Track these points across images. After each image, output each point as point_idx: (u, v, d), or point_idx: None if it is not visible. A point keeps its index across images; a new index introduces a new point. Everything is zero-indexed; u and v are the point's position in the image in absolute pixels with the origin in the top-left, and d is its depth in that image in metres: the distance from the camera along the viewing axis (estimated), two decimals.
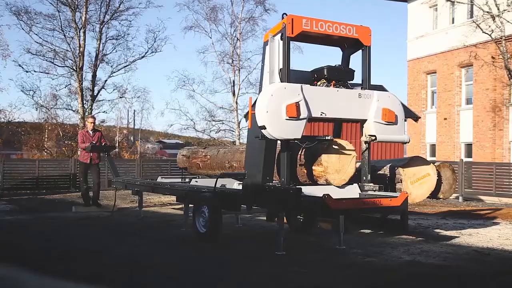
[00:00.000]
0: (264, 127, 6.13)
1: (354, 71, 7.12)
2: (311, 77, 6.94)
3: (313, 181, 7.06)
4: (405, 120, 16.14)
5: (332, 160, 6.76)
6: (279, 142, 6.69)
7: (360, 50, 7.13)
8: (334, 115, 6.76)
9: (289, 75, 6.41)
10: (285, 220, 7.06)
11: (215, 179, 7.71)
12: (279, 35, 6.46)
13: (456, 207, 12.94)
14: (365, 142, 7.00)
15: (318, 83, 6.80)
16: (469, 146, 21.68)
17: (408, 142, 7.40)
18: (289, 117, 6.11)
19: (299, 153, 7.16)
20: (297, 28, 6.44)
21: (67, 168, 16.89)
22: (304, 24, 6.47)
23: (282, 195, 6.46)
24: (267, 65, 6.52)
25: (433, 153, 23.22)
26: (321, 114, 6.52)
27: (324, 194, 6.01)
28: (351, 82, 7.08)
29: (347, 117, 6.91)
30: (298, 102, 6.20)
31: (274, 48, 6.46)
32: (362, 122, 6.90)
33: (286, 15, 6.45)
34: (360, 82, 7.14)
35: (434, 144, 23.35)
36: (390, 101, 6.97)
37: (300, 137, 6.33)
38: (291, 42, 6.47)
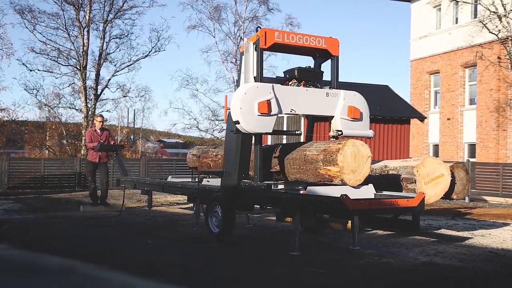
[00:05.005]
0: (238, 122, 6.70)
1: (323, 72, 7.71)
2: (284, 79, 7.55)
3: (277, 179, 7.67)
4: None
5: (348, 160, 6.75)
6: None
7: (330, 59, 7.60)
8: (303, 112, 7.45)
9: (262, 80, 6.98)
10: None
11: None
12: (254, 45, 6.99)
13: (463, 208, 12.93)
14: (333, 137, 7.50)
15: (290, 83, 7.37)
16: (472, 147, 21.69)
17: (372, 137, 7.76)
18: (260, 113, 6.69)
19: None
20: (270, 40, 7.02)
21: (72, 167, 16.84)
22: (276, 36, 7.07)
23: (255, 192, 7.01)
24: (243, 70, 7.08)
25: (436, 154, 23.22)
26: (290, 111, 7.12)
27: (342, 195, 6.00)
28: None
29: (316, 113, 7.52)
30: (269, 100, 6.77)
31: (249, 55, 7.00)
32: (330, 118, 7.45)
33: (260, 28, 7.09)
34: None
35: (437, 144, 23.36)
36: (356, 100, 7.50)
37: (271, 131, 6.95)
38: (264, 52, 7.06)
